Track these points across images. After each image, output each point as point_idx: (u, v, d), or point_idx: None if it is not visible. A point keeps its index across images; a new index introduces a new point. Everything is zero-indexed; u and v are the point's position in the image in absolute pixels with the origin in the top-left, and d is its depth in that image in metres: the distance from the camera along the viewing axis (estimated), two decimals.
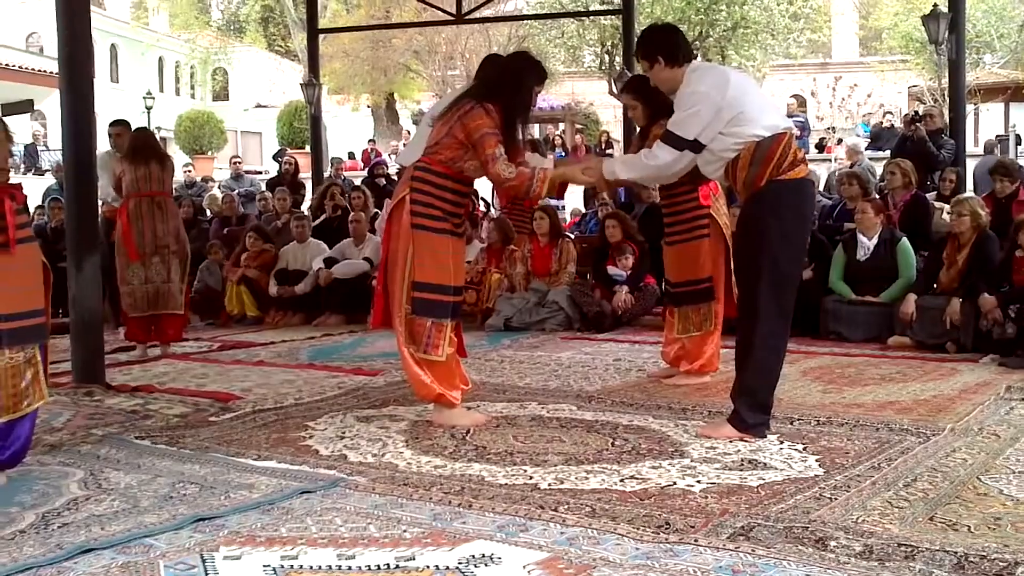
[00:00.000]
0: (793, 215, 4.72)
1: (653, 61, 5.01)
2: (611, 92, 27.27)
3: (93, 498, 3.88)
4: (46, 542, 3.34)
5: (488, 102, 5.03)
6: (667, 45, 5.01)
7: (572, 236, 10.99)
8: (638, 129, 6.31)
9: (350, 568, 3.08)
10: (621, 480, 4.03)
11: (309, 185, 16.08)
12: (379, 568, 3.07)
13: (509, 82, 5.15)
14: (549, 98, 29.48)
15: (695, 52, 5.10)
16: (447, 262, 5.09)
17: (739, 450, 4.49)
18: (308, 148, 19.35)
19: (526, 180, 5.01)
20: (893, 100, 30.87)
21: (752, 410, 4.72)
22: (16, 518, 3.64)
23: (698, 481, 4.00)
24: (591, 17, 27.15)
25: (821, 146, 23.09)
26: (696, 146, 4.78)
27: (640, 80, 5.76)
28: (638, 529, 3.38)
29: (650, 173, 5.11)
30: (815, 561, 3.06)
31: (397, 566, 3.08)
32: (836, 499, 3.72)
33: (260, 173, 18.61)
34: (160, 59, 43.18)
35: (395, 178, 13.50)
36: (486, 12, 22.55)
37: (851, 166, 12.59)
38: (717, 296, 6.17)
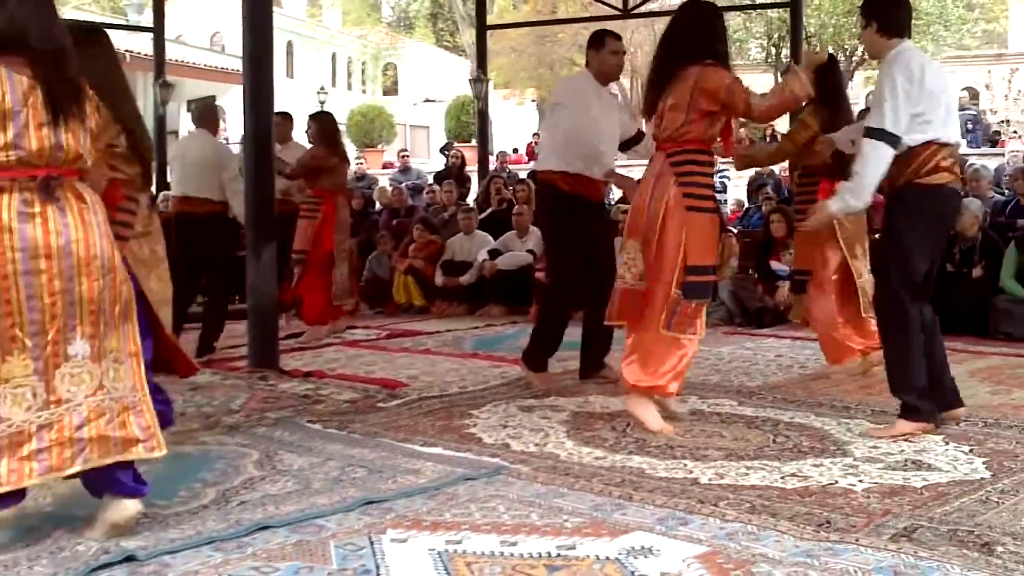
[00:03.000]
0: (926, 220, 4.73)
1: (867, 23, 5.00)
2: None
3: (268, 478, 4.05)
4: (226, 518, 3.52)
5: (704, 60, 4.94)
6: (884, 13, 4.97)
7: (735, 230, 10.87)
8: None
9: (512, 555, 3.15)
10: (782, 477, 4.01)
11: (475, 178, 16.27)
12: (541, 556, 3.13)
13: (707, 36, 5.05)
14: None
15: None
16: (714, 242, 5.13)
17: (903, 450, 4.41)
18: (474, 142, 19.56)
19: (785, 95, 4.99)
20: None
21: (915, 397, 4.69)
22: (199, 493, 3.84)
23: (860, 480, 3.95)
24: (758, 10, 26.74)
25: (995, 140, 22.22)
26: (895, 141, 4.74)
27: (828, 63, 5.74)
28: (798, 527, 3.37)
29: (875, 178, 4.85)
30: (981, 566, 3.00)
31: (558, 555, 3.14)
32: (1003, 504, 3.63)
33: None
34: (333, 55, 44.09)
35: None
36: (652, 6, 22.43)
37: None
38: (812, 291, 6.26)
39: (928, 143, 4.71)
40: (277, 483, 3.98)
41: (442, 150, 21.32)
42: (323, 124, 8.84)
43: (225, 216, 7.65)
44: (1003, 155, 16.98)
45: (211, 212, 7.54)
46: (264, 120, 6.97)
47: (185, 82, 25.72)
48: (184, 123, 28.37)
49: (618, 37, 6.07)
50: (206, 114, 8.03)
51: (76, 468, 3.25)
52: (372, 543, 3.26)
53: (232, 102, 22.65)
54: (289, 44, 40.57)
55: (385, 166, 25.38)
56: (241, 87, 7.09)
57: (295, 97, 31.84)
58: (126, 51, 25.57)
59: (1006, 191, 11.06)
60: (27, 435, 3.18)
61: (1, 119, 3.17)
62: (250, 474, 4.12)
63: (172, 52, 21.75)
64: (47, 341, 3.20)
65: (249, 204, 7.02)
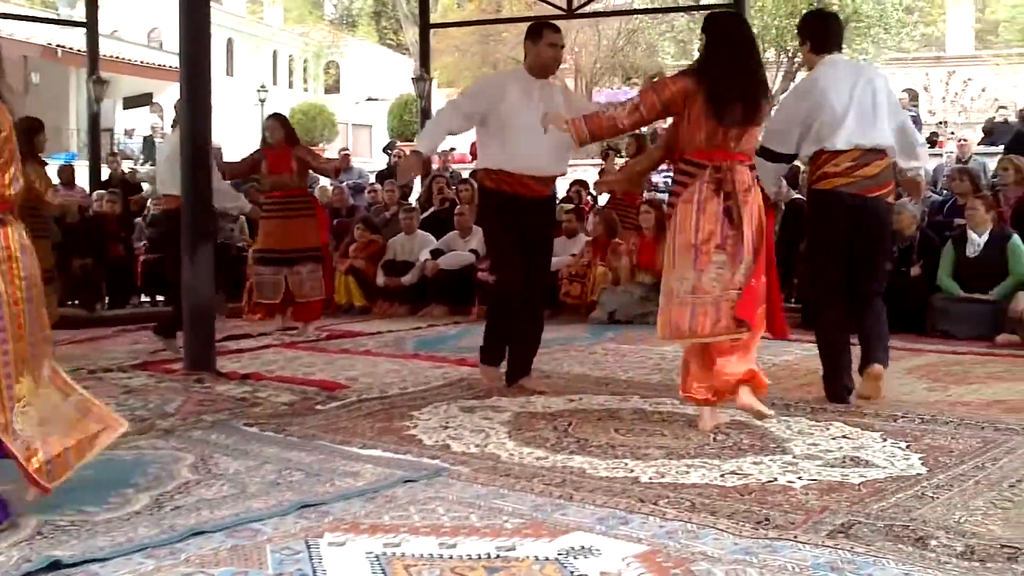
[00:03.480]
0: (819, 223, 5.32)
1: (802, 41, 5.46)
2: None
3: (203, 482, 3.99)
4: (159, 523, 3.45)
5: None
6: (813, 33, 5.45)
7: None
8: None
9: (451, 557, 3.12)
10: (722, 475, 4.03)
11: (418, 178, 16.19)
12: (480, 558, 3.11)
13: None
14: None
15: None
16: None
17: (841, 447, 4.46)
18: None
19: None
20: (1009, 95, 29.95)
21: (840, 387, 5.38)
22: (132, 499, 3.75)
23: (799, 477, 3.98)
24: (701, 11, 26.98)
25: (933, 141, 22.57)
26: (770, 155, 5.29)
27: None
28: (737, 524, 3.38)
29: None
30: (915, 560, 3.03)
31: (498, 556, 3.12)
32: (938, 498, 3.69)
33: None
34: (274, 52, 43.85)
35: None
36: (597, 6, 22.51)
37: (966, 161, 12.34)
38: None
39: (819, 152, 5.25)
40: (212, 487, 3.91)
41: (386, 149, 21.24)
42: (289, 126, 9.05)
43: None
44: (941, 156, 17.24)
45: (175, 208, 7.46)
46: (201, 119, 6.89)
47: (121, 79, 25.41)
48: (120, 121, 28.02)
49: (557, 29, 5.97)
50: None
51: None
52: (309, 547, 3.21)
53: (170, 100, 22.45)
54: (229, 41, 40.29)
55: None
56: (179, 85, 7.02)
57: (235, 95, 31.64)
58: (57, 46, 25.24)
59: (943, 191, 11.23)
60: (34, 451, 3.42)
61: (12, 157, 3.42)
62: (185, 478, 4.05)
63: (107, 48, 21.46)
64: (38, 364, 3.50)
65: (185, 203, 6.93)
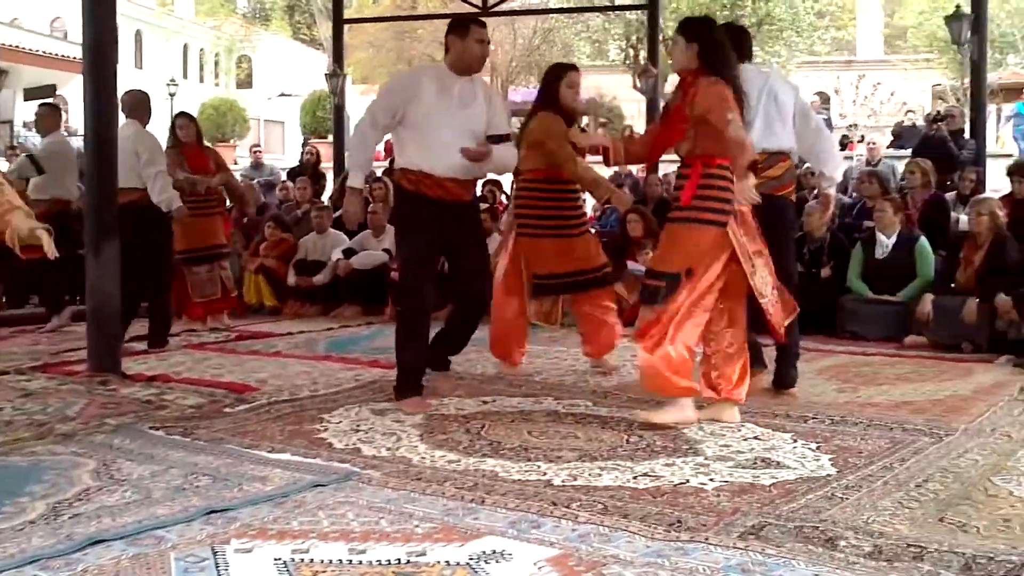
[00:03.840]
0: None
1: None
2: (634, 86, 27.30)
3: (105, 489, 3.87)
4: (56, 533, 3.33)
5: None
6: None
7: (593, 230, 10.91)
8: None
9: (360, 562, 3.08)
10: (634, 477, 4.04)
11: (330, 175, 16.07)
12: (389, 563, 3.07)
13: None
14: None
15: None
16: None
17: (753, 448, 4.50)
18: (331, 138, 19.34)
19: None
20: (916, 99, 30.66)
21: None
22: (26, 508, 3.62)
23: (711, 479, 4.01)
24: (616, 11, 27.21)
25: (844, 144, 22.94)
26: None
27: None
28: (649, 527, 3.38)
29: None
30: (824, 561, 3.07)
31: (408, 561, 3.08)
32: (847, 499, 3.73)
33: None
34: (185, 46, 43.31)
35: None
36: (513, 5, 22.58)
37: (875, 164, 12.56)
38: None
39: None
40: (115, 494, 3.80)
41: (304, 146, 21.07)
42: (199, 126, 9.06)
43: (150, 207, 7.61)
44: (851, 159, 17.53)
45: (130, 202, 7.36)
46: (107, 113, 6.74)
47: (22, 69, 24.86)
48: (19, 112, 27.37)
49: (483, 25, 5.68)
50: (137, 107, 7.90)
51: None
52: (215, 554, 3.14)
53: (74, 92, 22.00)
54: (138, 33, 39.71)
55: (235, 162, 24.96)
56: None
57: (144, 89, 31.08)
58: None
59: (853, 194, 11.41)
60: None
61: None
62: (85, 485, 3.92)
63: (6, 36, 20.98)
64: None
65: (91, 198, 6.77)
